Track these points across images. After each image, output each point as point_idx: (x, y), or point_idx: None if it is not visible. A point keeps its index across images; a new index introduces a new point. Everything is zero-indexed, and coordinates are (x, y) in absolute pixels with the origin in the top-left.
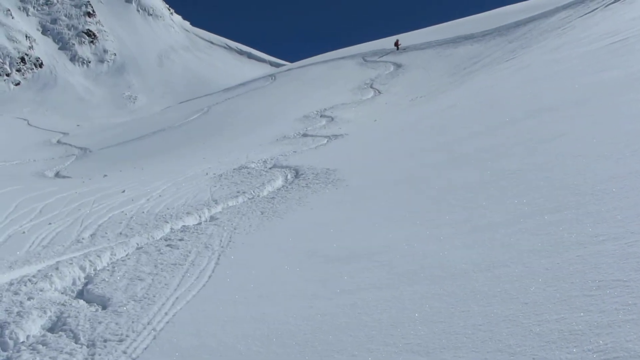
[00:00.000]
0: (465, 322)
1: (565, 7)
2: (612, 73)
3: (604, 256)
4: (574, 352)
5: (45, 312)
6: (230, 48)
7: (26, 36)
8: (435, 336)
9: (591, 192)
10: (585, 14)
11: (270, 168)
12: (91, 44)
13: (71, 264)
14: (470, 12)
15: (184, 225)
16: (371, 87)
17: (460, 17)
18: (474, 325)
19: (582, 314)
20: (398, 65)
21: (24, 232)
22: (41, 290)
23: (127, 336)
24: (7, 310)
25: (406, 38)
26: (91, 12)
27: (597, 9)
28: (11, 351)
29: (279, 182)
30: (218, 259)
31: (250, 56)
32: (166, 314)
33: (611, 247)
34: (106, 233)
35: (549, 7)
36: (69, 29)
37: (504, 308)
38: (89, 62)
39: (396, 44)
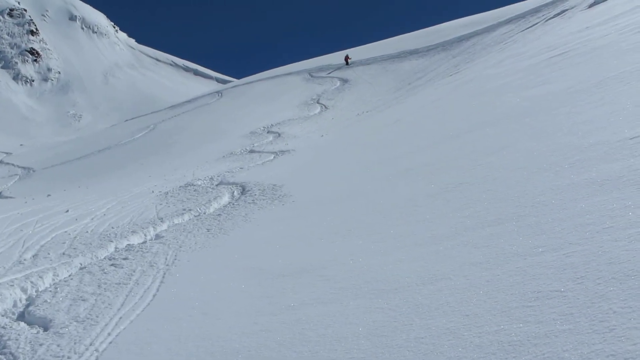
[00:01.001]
0: (407, 335)
1: (507, 22)
2: (552, 86)
3: (542, 267)
4: None
5: None
6: (176, 65)
7: None
8: (378, 350)
9: (531, 204)
10: (527, 28)
11: (216, 185)
12: (35, 63)
13: (12, 285)
14: (415, 27)
15: (128, 244)
16: (318, 102)
17: (406, 32)
18: (416, 338)
19: (520, 324)
20: (344, 81)
21: None
22: None
23: (68, 358)
24: None
25: (352, 53)
26: (35, 30)
27: (537, 23)
28: None
29: (226, 199)
30: (163, 277)
31: (196, 73)
32: (109, 334)
33: (550, 258)
34: (49, 254)
35: (492, 22)
36: (12, 48)
37: (446, 321)
38: (33, 80)
39: (346, 59)
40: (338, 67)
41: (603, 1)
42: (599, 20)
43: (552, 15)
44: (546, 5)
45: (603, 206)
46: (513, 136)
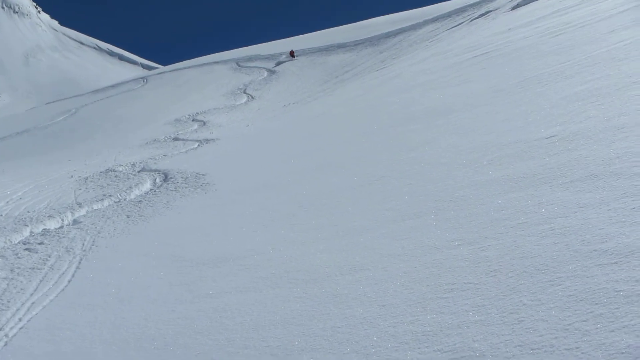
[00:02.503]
0: (324, 324)
1: (433, 20)
2: (474, 85)
3: (458, 260)
4: (425, 352)
5: None
6: (100, 49)
7: None
8: (294, 338)
9: (450, 199)
10: (452, 27)
11: (138, 171)
12: None
13: None
14: (344, 21)
15: (44, 229)
16: (244, 92)
17: (334, 26)
18: (332, 327)
19: (434, 315)
20: (271, 72)
21: None
22: None
23: None
24: None
25: (280, 45)
26: None
27: (462, 23)
28: None
29: (147, 186)
30: (79, 263)
31: (121, 58)
32: (20, 319)
33: (465, 251)
34: None
35: (418, 19)
36: None
37: (363, 310)
38: None
39: (291, 53)
40: (288, 59)
41: (525, 4)
42: (521, 22)
43: (476, 16)
44: (471, 5)
45: (518, 202)
46: (436, 132)
